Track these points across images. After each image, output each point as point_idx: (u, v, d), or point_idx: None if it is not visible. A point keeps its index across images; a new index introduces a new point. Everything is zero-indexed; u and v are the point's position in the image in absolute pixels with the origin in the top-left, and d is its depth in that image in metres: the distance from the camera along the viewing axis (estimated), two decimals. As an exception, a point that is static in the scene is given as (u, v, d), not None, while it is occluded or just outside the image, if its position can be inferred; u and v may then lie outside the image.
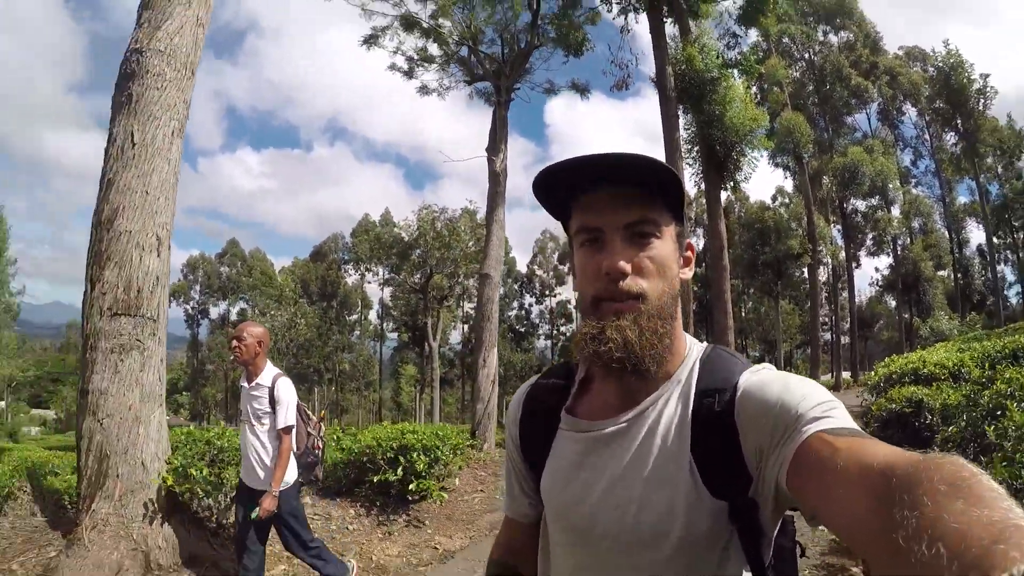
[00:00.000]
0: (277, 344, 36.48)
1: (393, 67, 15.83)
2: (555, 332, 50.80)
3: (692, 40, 18.62)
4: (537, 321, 51.37)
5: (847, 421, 0.70)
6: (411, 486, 6.25)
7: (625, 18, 18.98)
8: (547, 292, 50.81)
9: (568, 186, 0.87)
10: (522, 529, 1.10)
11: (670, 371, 0.88)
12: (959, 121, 33.16)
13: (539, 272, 50.38)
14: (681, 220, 0.89)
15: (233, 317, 53.28)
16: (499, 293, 14.84)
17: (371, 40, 15.83)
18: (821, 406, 0.72)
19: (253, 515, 3.58)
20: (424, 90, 16.30)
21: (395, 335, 50.04)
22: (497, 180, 13.78)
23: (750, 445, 0.77)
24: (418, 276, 28.71)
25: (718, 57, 17.91)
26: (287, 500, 3.70)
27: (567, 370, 1.02)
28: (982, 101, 32.18)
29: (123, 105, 4.99)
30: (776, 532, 0.84)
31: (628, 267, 0.82)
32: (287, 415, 3.65)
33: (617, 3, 18.26)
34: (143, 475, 4.69)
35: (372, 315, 53.26)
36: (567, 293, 49.01)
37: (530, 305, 51.23)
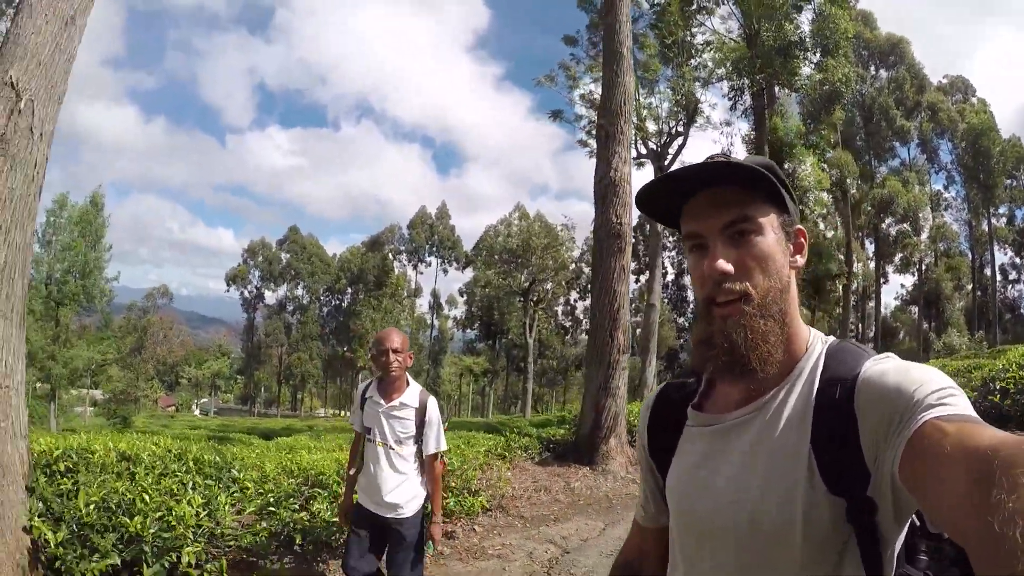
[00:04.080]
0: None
1: (583, 143, 24.14)
2: (597, 327, 59.35)
3: (777, 110, 27.23)
4: (581, 316, 59.75)
5: (965, 408, 0.73)
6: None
7: (734, 103, 27.02)
8: (591, 289, 58.87)
9: (672, 196, 0.98)
10: (648, 534, 1.22)
11: (792, 363, 0.94)
12: (982, 175, 42.50)
13: (586, 269, 57.74)
14: (785, 209, 0.96)
15: (290, 307, 61.16)
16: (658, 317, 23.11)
17: (557, 115, 24.08)
18: (938, 393, 0.75)
19: (430, 549, 3.48)
20: (592, 153, 24.50)
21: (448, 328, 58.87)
22: (658, 237, 21.89)
23: (868, 437, 0.80)
24: (523, 280, 37.35)
25: (799, 135, 26.22)
26: (415, 526, 3.46)
27: (693, 372, 1.10)
28: (1002, 162, 41.52)
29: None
30: (903, 559, 0.88)
31: (729, 267, 0.90)
32: (439, 439, 3.48)
33: (729, 92, 26.12)
34: (625, 423, 10.05)
35: (423, 304, 62.18)
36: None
37: (575, 300, 59.50)
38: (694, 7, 22.82)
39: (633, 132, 11.63)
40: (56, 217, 30.32)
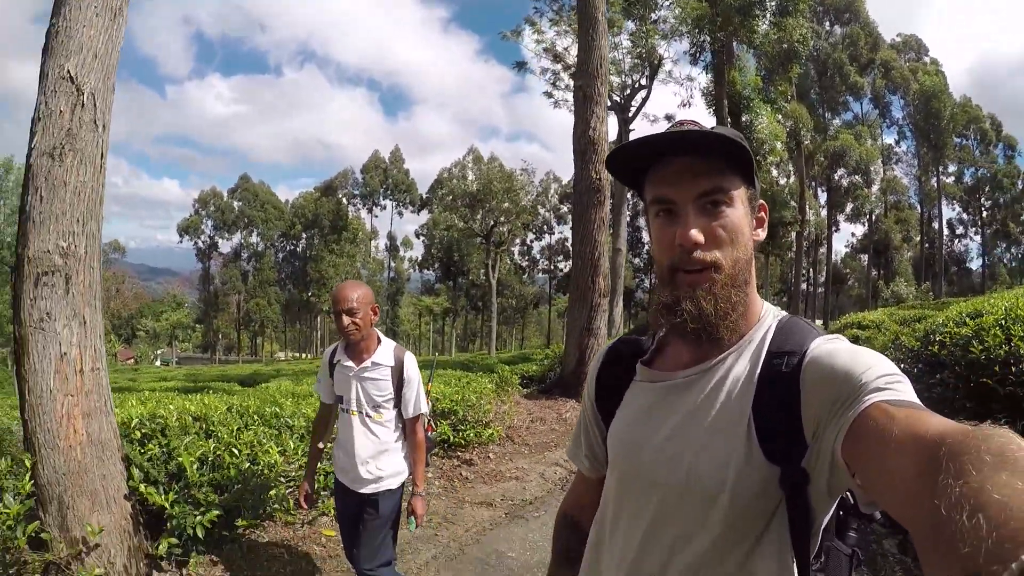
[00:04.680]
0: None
1: (549, 95, 24.57)
2: (552, 267, 60.80)
3: (735, 65, 28.08)
4: (538, 256, 61.18)
5: (910, 395, 0.75)
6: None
7: (695, 58, 27.62)
8: (547, 230, 59.99)
9: (641, 159, 0.98)
10: (591, 484, 1.24)
11: (743, 331, 0.98)
12: (932, 136, 44.65)
13: (541, 211, 58.03)
14: (752, 183, 0.98)
15: (245, 254, 60.73)
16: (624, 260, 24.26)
17: (521, 66, 24.47)
18: (885, 378, 0.77)
19: (412, 528, 3.11)
20: (556, 104, 25.02)
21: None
22: (624, 186, 22.74)
23: (810, 411, 0.84)
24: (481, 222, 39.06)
25: (756, 90, 27.17)
26: (393, 500, 3.09)
27: (647, 329, 1.13)
28: (952, 124, 43.74)
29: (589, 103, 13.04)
30: (833, 533, 0.94)
31: (701, 237, 0.92)
32: (419, 399, 3.08)
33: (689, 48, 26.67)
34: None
35: (380, 245, 63.48)
36: (565, 231, 57.86)
37: (531, 241, 61.13)
38: (655, -37, 23.30)
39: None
40: (3, 181, 29.93)
